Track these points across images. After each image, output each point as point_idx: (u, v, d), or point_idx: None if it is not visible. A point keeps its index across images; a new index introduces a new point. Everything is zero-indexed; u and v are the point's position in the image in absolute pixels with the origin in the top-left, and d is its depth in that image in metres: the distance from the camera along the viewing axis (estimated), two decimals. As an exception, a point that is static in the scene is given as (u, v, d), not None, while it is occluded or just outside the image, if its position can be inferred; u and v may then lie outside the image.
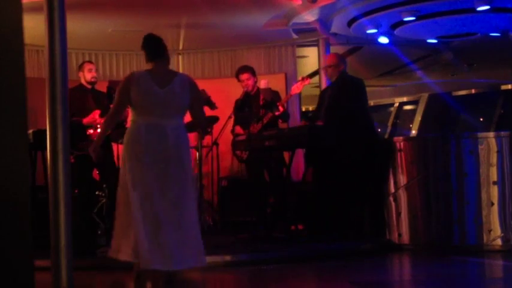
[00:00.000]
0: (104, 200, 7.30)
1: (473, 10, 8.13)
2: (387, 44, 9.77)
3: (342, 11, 8.47)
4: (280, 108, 7.07)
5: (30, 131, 6.60)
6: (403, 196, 6.58)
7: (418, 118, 14.79)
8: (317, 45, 9.52)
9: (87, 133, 6.75)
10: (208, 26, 8.94)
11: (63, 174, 3.22)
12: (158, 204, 4.50)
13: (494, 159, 6.24)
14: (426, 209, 6.45)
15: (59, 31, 3.22)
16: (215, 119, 7.04)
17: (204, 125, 5.31)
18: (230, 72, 9.47)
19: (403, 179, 6.58)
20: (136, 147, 4.59)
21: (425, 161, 6.51)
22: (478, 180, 6.27)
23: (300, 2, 8.11)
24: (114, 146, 6.92)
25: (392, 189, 6.66)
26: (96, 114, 6.85)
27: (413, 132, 14.52)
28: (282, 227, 7.13)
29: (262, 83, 7.19)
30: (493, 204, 6.21)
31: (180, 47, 9.96)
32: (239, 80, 7.47)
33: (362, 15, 8.57)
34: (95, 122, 6.75)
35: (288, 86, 9.29)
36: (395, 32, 9.21)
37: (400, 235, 6.59)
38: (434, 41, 9.93)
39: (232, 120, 7.52)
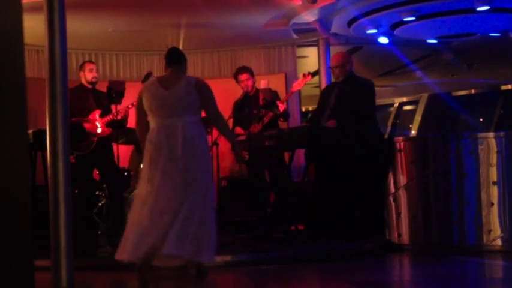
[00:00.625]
0: (104, 200, 7.30)
1: (473, 10, 8.14)
2: (387, 44, 9.77)
3: (342, 11, 8.47)
4: (281, 107, 7.08)
5: (30, 131, 6.60)
6: (403, 196, 6.58)
7: (418, 118, 14.80)
8: (317, 45, 9.52)
9: (87, 133, 6.77)
10: (208, 26, 8.94)
11: (63, 174, 3.22)
12: (167, 199, 4.84)
13: (494, 159, 6.23)
14: (426, 209, 6.45)
15: (59, 31, 3.23)
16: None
17: (221, 125, 5.46)
18: (230, 72, 9.46)
19: (403, 179, 6.58)
20: (150, 147, 5.00)
21: (425, 161, 6.50)
22: (477, 180, 6.26)
23: (300, 2, 8.12)
24: (114, 146, 6.93)
25: (392, 189, 6.66)
26: (96, 114, 6.86)
27: (413, 132, 14.52)
28: (282, 227, 7.13)
29: (262, 83, 7.20)
30: (492, 204, 6.21)
31: (180, 47, 9.95)
32: (238, 81, 7.48)
33: (362, 16, 8.57)
34: (95, 130, 6.76)
35: (288, 86, 9.30)
36: (395, 32, 9.21)
37: (400, 235, 6.58)
38: (434, 41, 9.93)
39: (231, 121, 7.52)
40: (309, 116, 10.16)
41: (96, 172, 7.08)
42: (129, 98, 6.94)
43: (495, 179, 6.21)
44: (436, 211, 6.41)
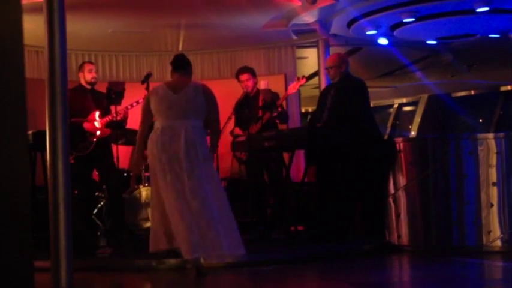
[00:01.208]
0: (104, 201, 7.30)
1: (473, 11, 8.14)
2: (387, 45, 9.78)
3: (342, 12, 8.48)
4: (278, 109, 7.09)
5: (30, 132, 6.60)
6: (402, 197, 6.57)
7: (417, 119, 14.81)
8: (317, 46, 9.53)
9: (87, 134, 6.77)
10: (208, 27, 8.94)
11: (62, 175, 3.22)
12: (174, 198, 5.06)
13: (493, 160, 6.23)
14: (426, 210, 6.45)
15: (59, 32, 3.23)
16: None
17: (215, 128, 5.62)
18: (230, 73, 9.47)
19: (402, 180, 6.58)
20: (154, 148, 5.18)
21: (424, 162, 6.50)
22: (477, 181, 6.26)
23: (300, 3, 8.12)
24: (114, 147, 6.93)
25: (392, 190, 6.66)
26: (95, 114, 6.86)
27: (413, 133, 14.53)
28: (282, 228, 7.13)
29: (262, 84, 7.20)
30: (492, 205, 6.21)
31: (180, 48, 9.95)
32: (239, 81, 7.48)
33: (362, 17, 8.57)
34: (95, 130, 6.77)
35: (287, 87, 9.30)
36: (394, 33, 9.21)
37: (399, 236, 6.58)
38: (434, 42, 9.93)
39: (232, 122, 7.52)
40: (309, 117, 10.16)
41: (95, 173, 7.08)
42: (129, 98, 6.94)
43: (495, 180, 6.21)
44: (436, 212, 6.41)
